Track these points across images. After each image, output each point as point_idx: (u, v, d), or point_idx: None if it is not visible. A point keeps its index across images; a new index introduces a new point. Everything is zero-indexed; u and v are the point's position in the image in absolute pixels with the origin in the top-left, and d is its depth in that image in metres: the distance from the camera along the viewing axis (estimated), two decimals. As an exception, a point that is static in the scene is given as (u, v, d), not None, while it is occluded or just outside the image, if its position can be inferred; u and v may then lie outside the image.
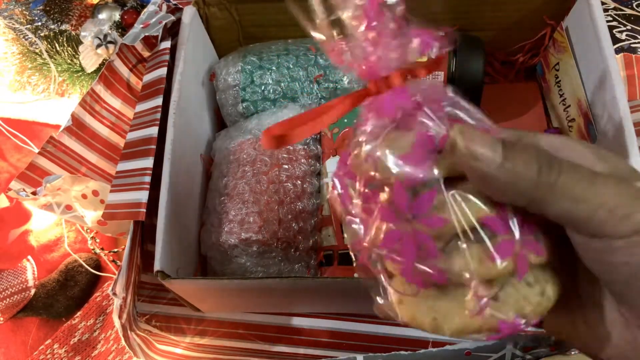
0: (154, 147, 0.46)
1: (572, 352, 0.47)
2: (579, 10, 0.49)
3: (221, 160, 0.54)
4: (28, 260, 1.01)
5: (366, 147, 0.22)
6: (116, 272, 0.43)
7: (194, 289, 0.45)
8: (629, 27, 0.59)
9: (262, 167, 0.52)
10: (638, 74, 0.54)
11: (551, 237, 0.22)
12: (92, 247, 0.90)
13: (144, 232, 0.48)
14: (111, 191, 0.46)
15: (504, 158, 0.19)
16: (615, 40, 0.57)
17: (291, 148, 0.54)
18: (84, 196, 0.52)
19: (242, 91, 0.56)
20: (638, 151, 0.42)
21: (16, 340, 0.98)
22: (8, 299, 0.95)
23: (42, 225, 1.02)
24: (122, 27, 0.64)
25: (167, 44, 0.52)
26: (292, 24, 0.58)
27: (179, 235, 0.47)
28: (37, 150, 0.52)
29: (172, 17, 0.52)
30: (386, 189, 0.22)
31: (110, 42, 0.57)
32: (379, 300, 0.24)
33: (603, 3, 0.54)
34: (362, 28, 0.22)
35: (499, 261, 0.20)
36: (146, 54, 0.54)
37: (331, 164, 0.53)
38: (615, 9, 0.60)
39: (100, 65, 0.60)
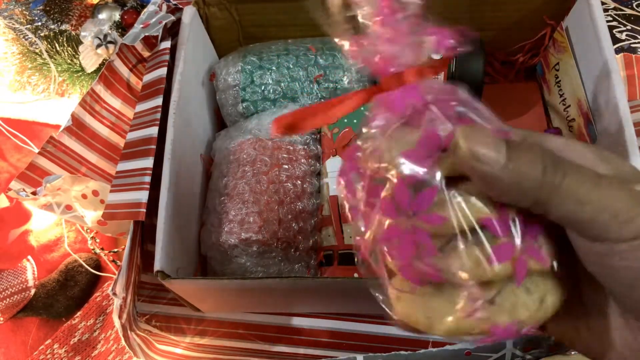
0: (154, 147, 0.46)
1: (572, 353, 0.47)
2: (579, 10, 0.49)
3: (221, 160, 0.54)
4: (28, 260, 1.01)
5: (373, 142, 0.22)
6: (116, 272, 0.43)
7: (194, 289, 0.45)
8: (629, 27, 0.59)
9: (262, 167, 0.52)
10: (638, 74, 0.54)
11: (555, 243, 0.22)
12: (92, 247, 0.90)
13: (144, 232, 0.48)
14: (111, 191, 0.46)
15: (508, 159, 0.19)
16: (615, 40, 0.57)
17: (291, 148, 0.54)
18: (84, 196, 0.52)
19: (242, 91, 0.56)
20: (638, 151, 0.42)
21: (16, 340, 0.98)
22: (8, 299, 0.95)
23: (42, 225, 1.02)
24: (122, 27, 0.64)
25: (167, 44, 0.52)
26: (292, 24, 0.58)
27: (179, 235, 0.47)
28: (37, 150, 0.52)
29: (172, 17, 0.52)
30: (389, 184, 0.22)
31: (110, 42, 0.57)
32: (378, 296, 0.24)
33: (603, 3, 0.54)
34: (376, 24, 0.22)
35: (495, 264, 0.20)
36: (146, 54, 0.54)
37: (331, 164, 0.53)
38: (615, 9, 0.60)
39: (100, 65, 0.60)
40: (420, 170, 0.21)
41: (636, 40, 0.58)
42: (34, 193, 0.49)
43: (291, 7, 0.56)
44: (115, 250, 0.91)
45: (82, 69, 0.63)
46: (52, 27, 0.68)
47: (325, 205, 0.51)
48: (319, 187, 0.54)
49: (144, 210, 0.43)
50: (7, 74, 0.71)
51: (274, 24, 0.59)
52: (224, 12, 0.57)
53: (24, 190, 0.49)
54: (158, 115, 0.47)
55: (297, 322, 0.53)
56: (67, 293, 0.99)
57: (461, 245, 0.21)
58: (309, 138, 0.56)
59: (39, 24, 0.69)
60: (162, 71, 0.50)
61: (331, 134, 0.54)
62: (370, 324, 0.52)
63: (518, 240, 0.20)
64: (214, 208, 0.52)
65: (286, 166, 0.52)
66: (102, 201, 0.53)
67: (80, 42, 0.59)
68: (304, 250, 0.50)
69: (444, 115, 0.21)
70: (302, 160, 0.53)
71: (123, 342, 0.46)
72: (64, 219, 0.56)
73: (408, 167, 0.21)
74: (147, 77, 0.51)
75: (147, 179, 0.44)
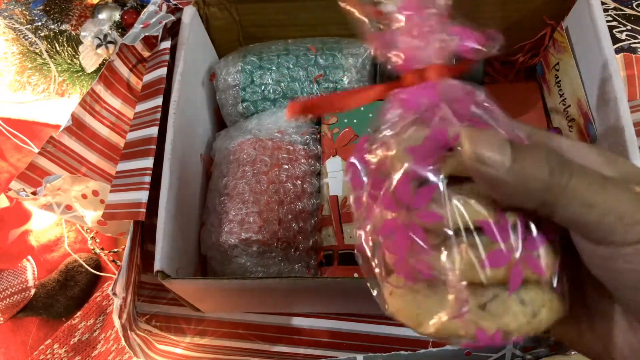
0: (154, 147, 0.46)
1: (572, 353, 0.47)
2: (579, 10, 0.49)
3: (221, 160, 0.54)
4: (28, 260, 1.01)
5: (381, 135, 0.22)
6: (116, 272, 0.43)
7: (194, 289, 0.45)
8: (629, 27, 0.59)
9: (262, 167, 0.52)
10: (638, 74, 0.54)
11: (562, 261, 0.21)
12: (92, 247, 0.90)
13: (144, 232, 0.48)
14: (111, 191, 0.46)
15: (513, 160, 0.19)
16: (615, 40, 0.58)
17: (291, 148, 0.54)
18: (84, 196, 0.52)
19: (242, 91, 0.56)
20: (638, 151, 0.42)
21: (16, 340, 0.98)
22: (8, 299, 0.95)
23: (42, 225, 1.02)
24: (122, 27, 0.64)
25: (167, 44, 0.52)
26: (292, 24, 0.58)
27: (179, 235, 0.47)
28: (37, 150, 0.52)
29: (172, 17, 0.52)
30: (392, 177, 0.22)
31: (110, 42, 0.57)
32: (374, 292, 0.24)
33: (603, 3, 0.54)
34: (403, 20, 0.22)
35: (487, 268, 0.20)
36: (146, 54, 0.54)
37: (331, 164, 0.53)
38: (615, 9, 0.61)
39: (100, 65, 0.60)
40: (423, 167, 0.21)
41: (636, 40, 0.58)
42: (34, 193, 0.49)
43: (291, 7, 0.56)
44: (115, 250, 0.91)
45: (82, 69, 0.63)
46: (52, 27, 0.68)
47: (325, 205, 0.51)
48: (319, 187, 0.54)
49: (144, 210, 0.43)
50: (7, 74, 0.71)
51: (274, 24, 0.59)
52: (224, 12, 0.57)
53: (24, 190, 0.49)
54: (158, 115, 0.47)
55: (297, 322, 0.53)
56: (67, 293, 0.99)
57: (455, 245, 0.21)
58: (309, 138, 0.56)
59: (39, 24, 0.69)
60: (162, 71, 0.50)
61: (331, 134, 0.54)
62: (370, 324, 0.52)
63: (516, 248, 0.20)
64: (214, 208, 0.52)
65: (286, 166, 0.52)
66: (102, 201, 0.53)
67: (80, 42, 0.59)
68: (304, 250, 0.50)
69: (458, 116, 0.21)
70: (302, 160, 0.54)
71: (123, 342, 0.46)
72: (64, 219, 0.56)
73: (412, 163, 0.21)
74: (147, 77, 0.51)
75: (147, 179, 0.44)
